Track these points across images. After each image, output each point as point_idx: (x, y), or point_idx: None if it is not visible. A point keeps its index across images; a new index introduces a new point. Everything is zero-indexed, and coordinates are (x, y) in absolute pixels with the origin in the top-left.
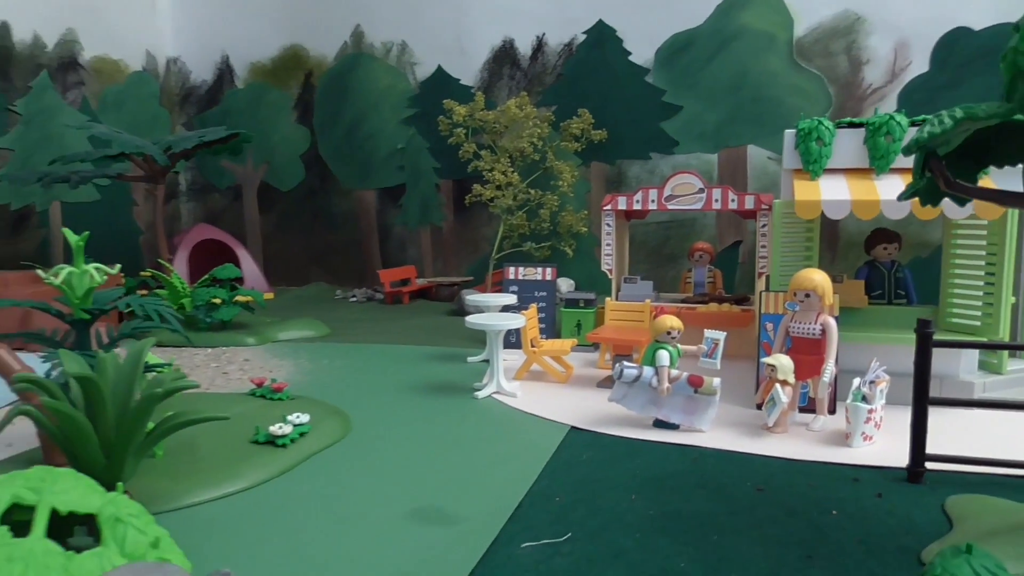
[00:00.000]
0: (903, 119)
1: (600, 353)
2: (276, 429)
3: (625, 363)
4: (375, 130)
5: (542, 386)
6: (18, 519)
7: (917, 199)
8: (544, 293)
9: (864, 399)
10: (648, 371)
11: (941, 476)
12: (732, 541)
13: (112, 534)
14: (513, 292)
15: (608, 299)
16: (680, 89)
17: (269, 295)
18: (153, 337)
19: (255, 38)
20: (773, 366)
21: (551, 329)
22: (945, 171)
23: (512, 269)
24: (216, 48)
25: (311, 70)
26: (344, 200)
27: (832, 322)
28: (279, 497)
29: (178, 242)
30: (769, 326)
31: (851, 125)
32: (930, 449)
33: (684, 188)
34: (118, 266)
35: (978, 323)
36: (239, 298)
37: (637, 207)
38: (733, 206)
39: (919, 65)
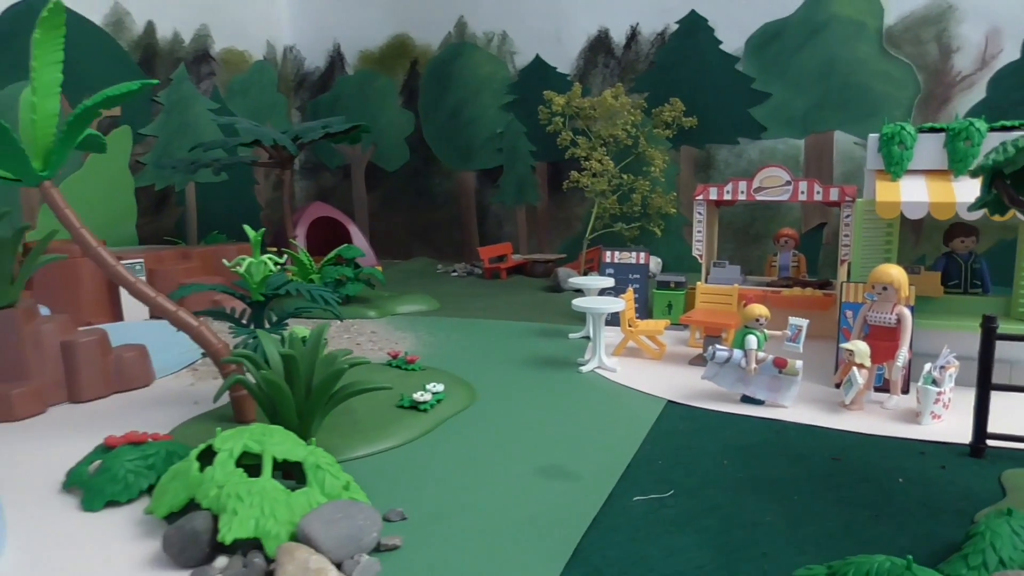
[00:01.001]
0: (982, 125)
1: (690, 333)
2: (418, 396)
3: (718, 346)
4: (476, 115)
5: (638, 362)
6: (246, 463)
7: None
8: (638, 275)
9: (934, 382)
10: (738, 353)
11: (1001, 452)
12: (810, 501)
13: (314, 477)
14: (609, 275)
15: (699, 283)
16: (769, 76)
17: (378, 268)
18: (328, 323)
19: (365, 27)
20: (851, 351)
21: (643, 309)
22: (1009, 189)
23: (608, 253)
24: (328, 37)
25: (416, 58)
26: (445, 180)
27: (906, 312)
28: (426, 453)
29: (296, 219)
30: (849, 313)
31: (932, 130)
32: (994, 428)
33: (772, 180)
34: (285, 256)
35: None
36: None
37: (727, 197)
38: (818, 198)
39: (1010, 53)
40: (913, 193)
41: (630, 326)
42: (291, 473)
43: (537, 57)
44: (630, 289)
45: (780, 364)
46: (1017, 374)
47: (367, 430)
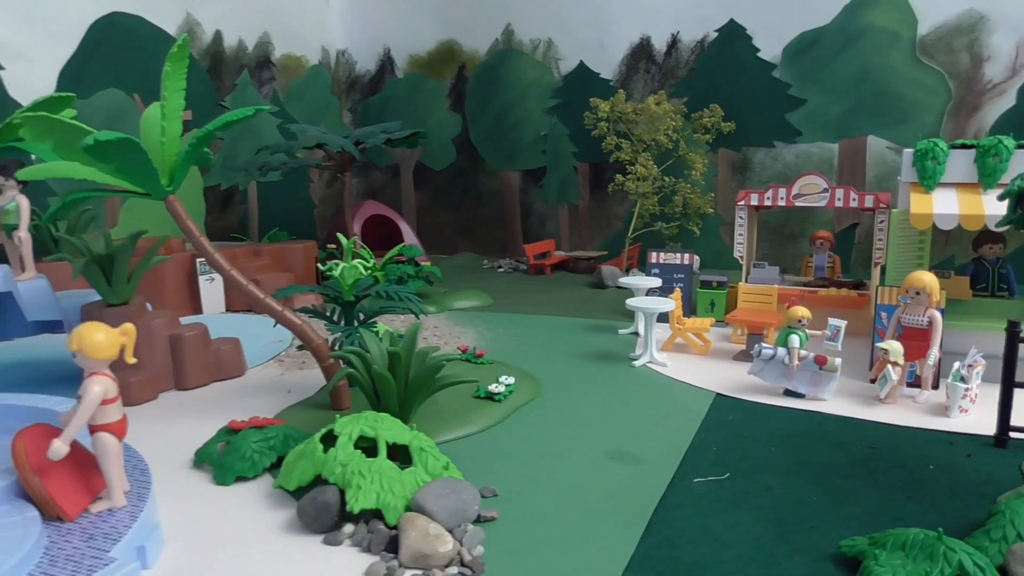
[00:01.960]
0: (1010, 142)
1: (733, 330)
2: (493, 387)
3: (763, 344)
4: (521, 118)
5: (686, 357)
6: (361, 446)
7: None
8: (682, 275)
9: (962, 379)
10: (781, 351)
11: (1022, 443)
12: (851, 483)
13: (419, 459)
14: (655, 274)
15: (741, 284)
16: (805, 83)
17: (427, 263)
18: (420, 323)
19: (414, 33)
20: (886, 349)
21: (687, 306)
22: None
23: (654, 254)
24: (379, 41)
25: (464, 63)
26: (490, 179)
27: (938, 315)
28: (504, 439)
29: (352, 216)
30: (883, 315)
31: (963, 146)
32: (1016, 422)
33: (810, 188)
34: (373, 261)
35: None
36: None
37: (768, 204)
38: (854, 204)
39: None
40: (945, 205)
41: (678, 324)
42: (395, 455)
43: (581, 63)
44: (678, 289)
45: (821, 361)
46: None
47: (450, 418)
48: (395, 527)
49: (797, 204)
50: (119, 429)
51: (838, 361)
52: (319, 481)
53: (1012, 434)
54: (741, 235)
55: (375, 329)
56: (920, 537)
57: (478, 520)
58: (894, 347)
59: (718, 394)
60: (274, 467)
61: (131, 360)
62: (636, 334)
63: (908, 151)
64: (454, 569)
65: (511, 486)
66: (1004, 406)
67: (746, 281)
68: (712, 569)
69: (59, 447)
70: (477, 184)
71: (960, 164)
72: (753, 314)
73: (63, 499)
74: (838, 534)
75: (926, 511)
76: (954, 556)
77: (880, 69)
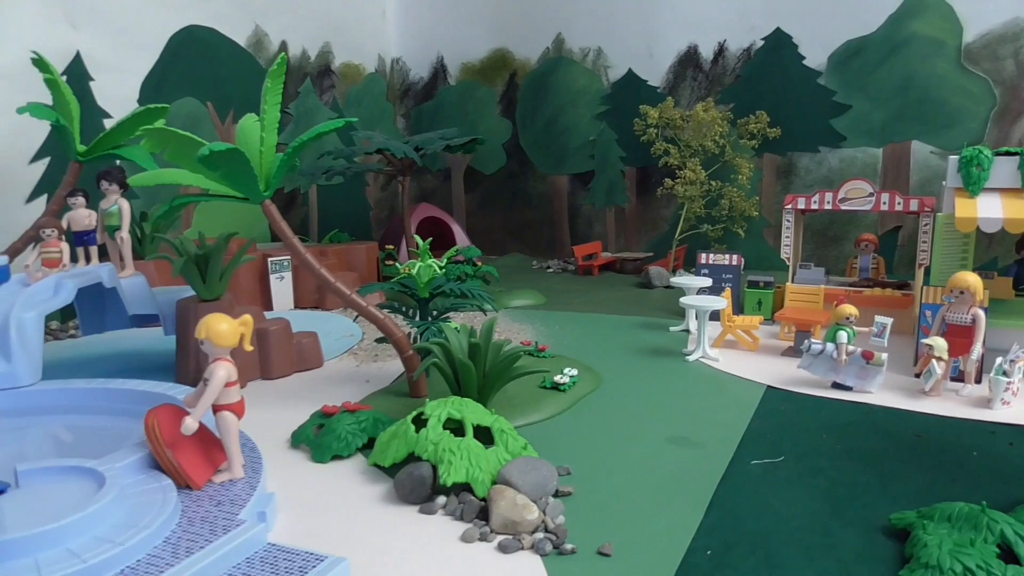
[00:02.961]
0: None
1: (781, 327)
2: (558, 378)
3: (812, 340)
4: (570, 124)
5: (736, 353)
6: (447, 428)
7: None
8: (730, 276)
9: (1005, 374)
10: (830, 346)
11: None
12: (898, 467)
13: (500, 439)
14: (704, 275)
15: (788, 284)
16: (850, 90)
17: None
18: (495, 318)
19: (467, 42)
20: (931, 345)
21: (736, 305)
22: None
23: (703, 255)
24: (433, 49)
25: (515, 70)
26: (539, 183)
27: (981, 313)
28: (572, 425)
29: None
30: (928, 313)
31: (1007, 154)
32: None
33: (856, 192)
34: (444, 260)
35: None
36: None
37: (814, 207)
38: (899, 208)
39: None
40: (989, 209)
41: (729, 321)
42: (478, 436)
43: (630, 71)
44: (728, 288)
45: (868, 356)
46: None
47: (521, 405)
48: (484, 499)
49: (843, 208)
50: (239, 408)
51: (884, 356)
52: (412, 458)
53: None
54: (788, 237)
55: (452, 324)
56: (965, 510)
57: (556, 494)
58: (939, 343)
59: (769, 386)
60: (365, 447)
61: (249, 348)
62: (687, 331)
63: (953, 158)
64: (540, 534)
65: (582, 466)
66: None
67: (793, 281)
68: (773, 537)
69: (191, 423)
70: (526, 187)
71: (1004, 170)
72: (801, 312)
73: (192, 470)
74: (888, 510)
75: (970, 492)
76: (996, 526)
77: (925, 76)
